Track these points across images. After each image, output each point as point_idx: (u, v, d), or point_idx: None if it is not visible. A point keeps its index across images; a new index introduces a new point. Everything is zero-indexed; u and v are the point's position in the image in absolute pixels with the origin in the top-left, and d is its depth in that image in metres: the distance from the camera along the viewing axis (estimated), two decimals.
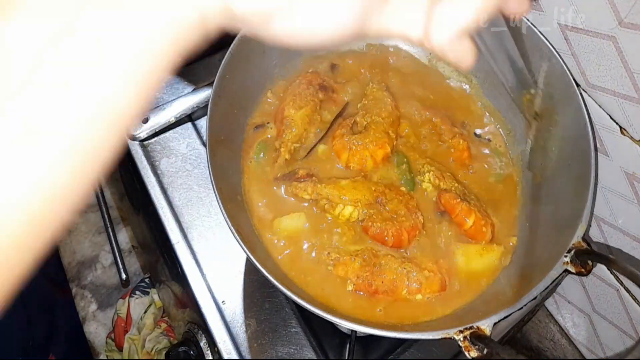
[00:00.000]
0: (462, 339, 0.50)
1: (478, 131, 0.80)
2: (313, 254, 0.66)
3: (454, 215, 0.68)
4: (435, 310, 0.64)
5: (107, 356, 1.29)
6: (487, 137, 0.79)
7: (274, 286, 0.55)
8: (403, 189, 0.70)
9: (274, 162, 0.71)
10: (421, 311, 0.63)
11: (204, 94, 0.82)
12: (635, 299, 0.70)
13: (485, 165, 0.77)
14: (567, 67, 0.66)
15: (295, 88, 0.76)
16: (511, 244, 0.69)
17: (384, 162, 0.72)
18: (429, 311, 0.64)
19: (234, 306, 0.72)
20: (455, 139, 0.76)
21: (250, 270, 0.75)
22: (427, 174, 0.70)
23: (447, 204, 0.68)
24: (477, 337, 0.50)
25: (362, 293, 0.63)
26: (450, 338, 0.51)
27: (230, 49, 0.68)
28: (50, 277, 1.16)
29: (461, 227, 0.68)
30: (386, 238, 0.65)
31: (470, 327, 0.51)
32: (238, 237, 0.56)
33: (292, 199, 0.69)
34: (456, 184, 0.70)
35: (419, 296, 0.63)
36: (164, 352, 0.90)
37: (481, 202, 0.71)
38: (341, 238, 0.67)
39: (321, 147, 0.74)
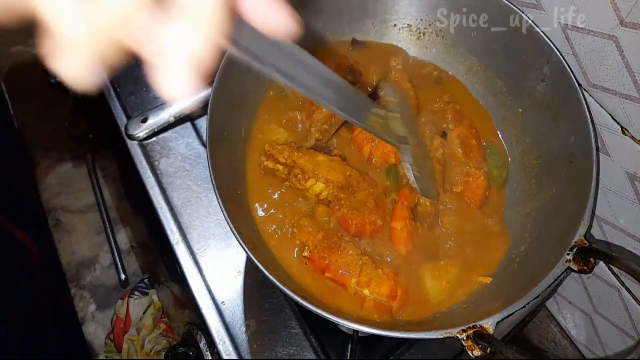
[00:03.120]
0: (465, 338, 0.50)
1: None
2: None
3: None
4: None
5: (106, 357, 1.29)
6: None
7: (274, 286, 0.54)
8: (381, 183, 0.70)
9: (305, 140, 0.72)
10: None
11: (204, 93, 0.82)
12: (636, 299, 0.70)
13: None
14: (568, 66, 0.66)
15: None
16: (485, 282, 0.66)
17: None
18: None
19: (234, 307, 0.72)
20: (481, 170, 0.72)
21: (250, 271, 0.74)
22: None
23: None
24: (480, 336, 0.49)
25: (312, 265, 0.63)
26: (453, 337, 0.51)
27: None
28: (49, 278, 1.16)
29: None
30: (350, 226, 0.65)
31: (474, 326, 0.51)
32: (239, 237, 0.55)
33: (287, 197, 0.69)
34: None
35: (366, 291, 0.62)
36: (163, 353, 0.90)
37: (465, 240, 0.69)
38: (315, 215, 0.67)
39: (344, 135, 0.73)
